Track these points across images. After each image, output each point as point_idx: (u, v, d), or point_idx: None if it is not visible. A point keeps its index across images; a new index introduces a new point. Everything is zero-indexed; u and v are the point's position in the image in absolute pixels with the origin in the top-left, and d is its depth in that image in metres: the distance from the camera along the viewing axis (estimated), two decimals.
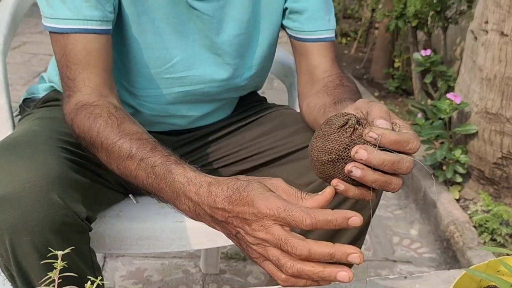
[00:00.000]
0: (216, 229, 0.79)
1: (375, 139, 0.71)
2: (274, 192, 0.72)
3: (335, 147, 0.73)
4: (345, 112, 0.75)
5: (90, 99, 0.95)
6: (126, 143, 0.87)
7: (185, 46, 1.07)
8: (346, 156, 0.72)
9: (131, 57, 1.06)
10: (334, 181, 0.73)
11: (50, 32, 0.98)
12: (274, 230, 0.70)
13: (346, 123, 0.72)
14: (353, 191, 0.74)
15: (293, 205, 0.70)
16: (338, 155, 0.73)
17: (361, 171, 0.71)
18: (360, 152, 0.70)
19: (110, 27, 0.99)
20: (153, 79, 1.08)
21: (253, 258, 0.74)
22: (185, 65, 1.09)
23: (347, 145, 0.72)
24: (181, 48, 1.07)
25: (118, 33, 1.04)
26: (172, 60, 1.07)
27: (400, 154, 0.73)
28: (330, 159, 0.73)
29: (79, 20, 0.95)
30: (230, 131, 1.22)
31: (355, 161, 0.71)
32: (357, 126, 0.73)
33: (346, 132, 0.73)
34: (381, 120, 0.74)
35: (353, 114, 0.74)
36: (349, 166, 0.71)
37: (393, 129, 0.74)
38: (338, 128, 0.73)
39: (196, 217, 0.80)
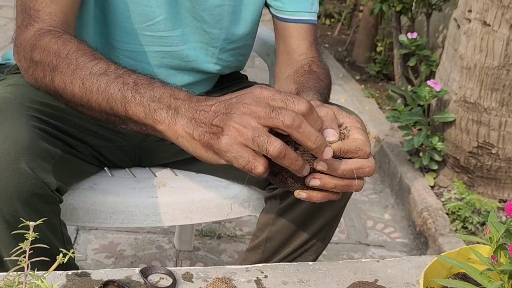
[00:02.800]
0: (190, 137, 0.74)
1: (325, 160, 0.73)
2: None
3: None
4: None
5: (55, 29, 0.91)
6: (101, 63, 0.83)
7: (168, 7, 1.06)
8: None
9: (112, 10, 1.04)
10: (296, 192, 0.78)
11: None
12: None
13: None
14: (316, 196, 0.78)
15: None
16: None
17: (319, 180, 0.75)
18: (320, 165, 0.74)
19: None
20: (133, 35, 1.07)
21: (225, 139, 0.71)
22: (167, 25, 1.07)
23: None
24: (165, 8, 1.06)
25: None
26: (154, 18, 1.06)
27: (361, 160, 0.76)
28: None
29: None
30: None
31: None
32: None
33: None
34: (328, 130, 0.75)
35: None
36: (308, 180, 0.75)
37: (341, 134, 0.77)
38: None
39: (172, 117, 0.75)
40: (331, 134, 0.75)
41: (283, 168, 0.74)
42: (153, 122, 0.77)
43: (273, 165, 0.74)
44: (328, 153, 0.72)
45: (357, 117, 0.83)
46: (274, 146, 0.69)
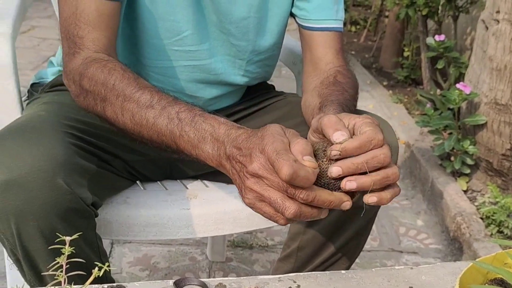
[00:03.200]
0: (227, 172, 0.80)
1: (339, 155, 0.75)
2: (285, 136, 0.76)
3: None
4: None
5: (100, 56, 0.95)
6: (146, 94, 0.88)
7: (196, 21, 1.07)
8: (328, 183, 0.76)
9: (141, 27, 1.06)
10: (365, 198, 0.78)
11: None
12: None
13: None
14: (385, 196, 0.78)
15: (286, 151, 0.73)
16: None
17: (355, 182, 0.75)
18: (334, 169, 0.75)
19: None
20: (162, 51, 1.09)
21: (247, 199, 0.77)
22: (195, 39, 1.09)
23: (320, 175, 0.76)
24: (192, 23, 1.07)
25: (130, 1, 1.04)
26: (182, 33, 1.07)
27: (371, 151, 0.76)
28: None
29: None
30: (237, 118, 1.22)
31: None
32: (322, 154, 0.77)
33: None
34: (336, 133, 0.76)
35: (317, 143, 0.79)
36: (343, 184, 0.75)
37: (352, 134, 0.78)
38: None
39: (216, 159, 0.81)
40: (340, 135, 0.76)
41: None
42: (200, 158, 0.83)
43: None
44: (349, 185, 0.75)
45: (369, 115, 0.84)
46: (289, 208, 0.74)
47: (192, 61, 1.11)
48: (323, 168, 0.76)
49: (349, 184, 0.75)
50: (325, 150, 0.77)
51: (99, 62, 0.93)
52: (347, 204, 0.76)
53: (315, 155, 0.77)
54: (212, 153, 0.81)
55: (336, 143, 0.75)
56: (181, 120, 0.84)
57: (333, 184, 0.76)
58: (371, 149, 0.75)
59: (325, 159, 0.76)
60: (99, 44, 0.96)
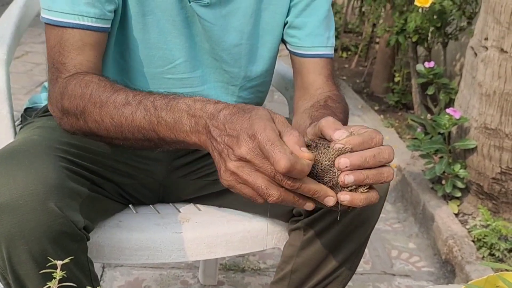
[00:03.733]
0: (207, 149, 0.80)
1: (342, 148, 0.75)
2: (275, 124, 0.75)
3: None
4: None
5: (79, 74, 0.96)
6: (121, 94, 0.89)
7: (188, 49, 1.09)
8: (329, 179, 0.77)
9: (133, 56, 1.07)
10: (339, 195, 0.77)
11: (46, 23, 0.99)
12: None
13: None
14: (358, 197, 0.77)
15: (280, 142, 0.73)
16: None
17: (352, 176, 0.75)
18: (342, 160, 0.75)
19: (106, 25, 1.01)
20: (155, 79, 1.10)
21: (226, 181, 0.77)
22: (188, 67, 1.10)
23: (319, 171, 0.77)
24: (185, 50, 1.08)
25: (121, 31, 1.05)
26: (175, 61, 1.09)
27: (376, 148, 0.77)
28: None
29: (75, 15, 0.97)
30: None
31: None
32: (321, 153, 0.77)
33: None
34: (337, 132, 0.77)
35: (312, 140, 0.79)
36: (341, 178, 0.76)
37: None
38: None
39: (195, 135, 0.81)
40: (341, 133, 0.77)
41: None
42: (184, 138, 0.83)
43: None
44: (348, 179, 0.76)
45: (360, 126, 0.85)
46: (272, 196, 0.74)
47: (185, 88, 1.12)
48: (316, 161, 0.76)
49: (347, 178, 0.75)
50: (317, 145, 0.78)
51: (77, 79, 0.94)
52: (330, 199, 0.76)
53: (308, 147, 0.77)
54: (190, 129, 0.81)
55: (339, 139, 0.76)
56: (156, 108, 0.85)
57: (321, 177, 0.77)
58: (372, 147, 0.76)
59: (320, 151, 0.77)
60: (82, 67, 0.98)
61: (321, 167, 0.76)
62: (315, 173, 0.76)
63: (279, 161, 0.70)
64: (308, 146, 0.77)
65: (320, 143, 0.78)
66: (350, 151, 0.76)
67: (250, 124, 0.74)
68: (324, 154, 0.77)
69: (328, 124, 0.78)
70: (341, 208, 0.79)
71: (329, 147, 0.77)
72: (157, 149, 0.90)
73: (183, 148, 0.87)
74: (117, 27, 1.04)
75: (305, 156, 0.73)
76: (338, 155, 0.76)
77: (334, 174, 0.77)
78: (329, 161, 0.76)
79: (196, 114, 0.80)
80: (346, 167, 0.75)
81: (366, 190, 0.78)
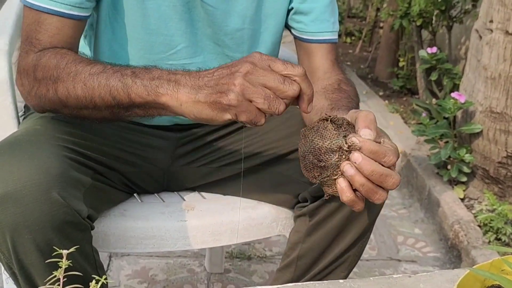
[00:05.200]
0: (195, 101, 0.81)
1: (354, 144, 0.77)
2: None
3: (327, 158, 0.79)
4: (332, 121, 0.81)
5: (55, 47, 0.96)
6: (98, 65, 0.90)
7: (189, 34, 1.08)
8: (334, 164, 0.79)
9: (134, 42, 1.06)
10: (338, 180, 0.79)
11: (24, 5, 0.99)
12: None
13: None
14: (347, 191, 0.79)
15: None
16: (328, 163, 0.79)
17: (354, 170, 0.76)
18: (356, 155, 0.76)
19: (84, 14, 1.00)
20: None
21: (232, 100, 0.78)
22: (189, 53, 1.09)
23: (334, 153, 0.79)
24: (186, 36, 1.08)
25: (121, 17, 1.04)
26: (176, 47, 1.08)
27: (389, 170, 0.78)
28: (321, 166, 0.80)
29: (52, 1, 0.96)
30: (234, 129, 1.22)
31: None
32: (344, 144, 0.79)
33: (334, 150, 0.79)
34: (365, 129, 0.78)
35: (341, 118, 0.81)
36: (344, 164, 0.77)
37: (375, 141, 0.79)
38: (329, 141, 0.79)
39: (174, 92, 0.82)
40: (368, 133, 0.78)
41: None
42: (156, 97, 0.83)
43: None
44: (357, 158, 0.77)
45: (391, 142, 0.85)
46: (282, 107, 0.79)
47: None
48: (330, 135, 0.78)
49: (349, 168, 0.77)
50: (341, 126, 0.80)
51: (52, 51, 0.94)
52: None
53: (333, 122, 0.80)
54: (169, 85, 0.83)
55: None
56: (135, 72, 0.86)
57: (324, 153, 0.78)
58: (380, 162, 0.77)
59: (337, 131, 0.79)
60: (57, 45, 0.98)
61: (329, 144, 0.78)
62: (320, 146, 0.78)
63: (298, 66, 0.79)
64: (335, 121, 0.80)
65: (345, 127, 0.80)
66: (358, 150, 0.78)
67: (239, 60, 0.80)
68: (337, 135, 0.78)
69: (365, 119, 0.80)
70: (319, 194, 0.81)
71: (347, 135, 0.78)
72: (125, 118, 0.91)
73: (150, 115, 0.88)
74: (119, 13, 1.03)
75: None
76: (348, 147, 0.77)
77: (335, 156, 0.78)
78: (335, 145, 0.78)
79: (178, 73, 0.84)
80: (354, 162, 0.76)
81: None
